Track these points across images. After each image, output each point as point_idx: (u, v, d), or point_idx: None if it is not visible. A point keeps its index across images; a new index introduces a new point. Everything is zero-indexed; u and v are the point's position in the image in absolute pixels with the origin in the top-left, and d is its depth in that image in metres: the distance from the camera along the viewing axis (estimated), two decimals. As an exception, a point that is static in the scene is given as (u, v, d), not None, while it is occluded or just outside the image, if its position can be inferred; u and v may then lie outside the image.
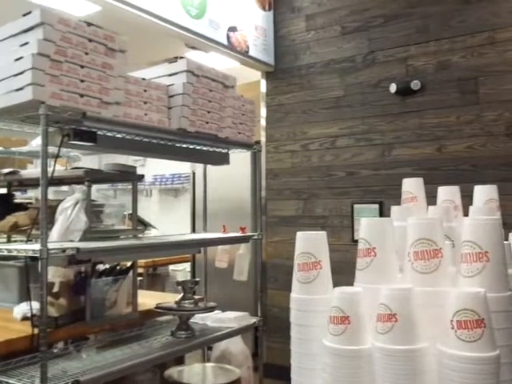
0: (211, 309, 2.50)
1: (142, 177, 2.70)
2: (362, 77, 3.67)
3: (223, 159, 2.89)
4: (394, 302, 1.20)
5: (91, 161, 3.76)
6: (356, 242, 3.50)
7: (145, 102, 2.18)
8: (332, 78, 3.81)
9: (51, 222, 2.21)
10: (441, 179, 3.22)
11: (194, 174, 4.72)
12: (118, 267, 2.46)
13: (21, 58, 1.78)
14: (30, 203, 3.22)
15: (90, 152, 3.08)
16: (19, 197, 4.32)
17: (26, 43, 1.79)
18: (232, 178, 4.24)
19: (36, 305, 1.96)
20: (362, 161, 3.66)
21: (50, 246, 1.76)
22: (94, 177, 2.44)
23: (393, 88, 3.48)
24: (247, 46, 3.76)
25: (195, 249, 2.91)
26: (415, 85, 3.40)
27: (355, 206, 3.67)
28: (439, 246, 1.30)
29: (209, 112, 2.46)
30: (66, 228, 2.22)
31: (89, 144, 2.05)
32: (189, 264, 4.91)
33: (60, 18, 1.83)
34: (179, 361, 2.88)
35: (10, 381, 1.76)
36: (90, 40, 1.93)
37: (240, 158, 3.13)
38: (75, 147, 2.33)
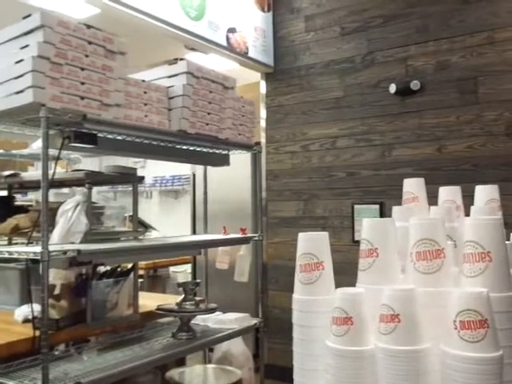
0: (212, 310, 2.50)
1: (142, 178, 2.70)
2: (361, 77, 3.67)
3: (223, 160, 2.89)
4: (397, 302, 1.20)
5: (92, 163, 3.75)
6: (357, 242, 3.53)
7: (145, 104, 2.18)
8: (332, 78, 3.81)
9: (52, 224, 2.20)
10: (441, 179, 3.22)
11: (194, 175, 4.72)
12: (118, 269, 2.46)
13: (21, 60, 1.78)
14: (31, 206, 3.22)
15: (91, 154, 3.07)
16: (20, 199, 4.32)
17: (26, 46, 1.79)
18: (232, 180, 4.23)
19: (37, 307, 1.96)
20: (362, 161, 3.66)
21: (51, 248, 1.76)
22: (94, 179, 2.44)
23: (392, 88, 3.48)
24: (246, 48, 3.76)
25: (196, 250, 2.90)
26: (415, 85, 3.40)
27: (355, 206, 3.67)
28: (442, 246, 1.30)
29: (209, 113, 2.46)
30: (67, 230, 2.21)
31: (89, 146, 2.05)
32: (189, 265, 4.90)
33: (60, 20, 1.83)
34: (180, 362, 2.88)
35: (11, 383, 1.76)
36: (90, 42, 1.93)
37: (240, 160, 3.13)
38: (76, 149, 2.33)
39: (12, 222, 2.66)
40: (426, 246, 1.30)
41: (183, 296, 2.46)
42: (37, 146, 2.98)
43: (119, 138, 2.18)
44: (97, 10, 2.92)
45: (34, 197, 4.37)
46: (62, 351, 2.21)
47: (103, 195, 6.75)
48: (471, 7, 3.26)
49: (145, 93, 2.19)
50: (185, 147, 2.59)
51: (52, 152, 1.87)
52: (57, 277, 2.21)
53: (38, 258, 1.72)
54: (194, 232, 4.63)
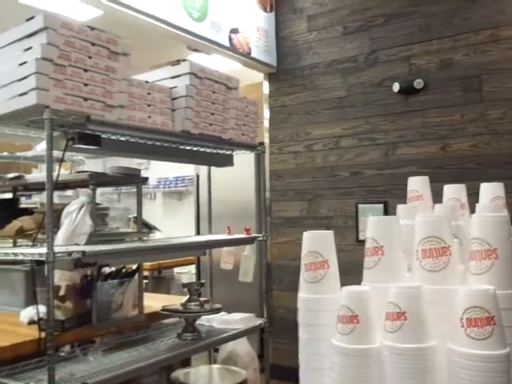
0: (217, 310, 2.49)
1: (146, 179, 2.70)
2: (364, 77, 3.67)
3: (227, 161, 2.89)
4: (403, 300, 1.20)
5: (95, 164, 3.76)
6: (361, 242, 3.52)
7: (148, 105, 2.18)
8: (334, 78, 3.80)
9: (56, 225, 2.21)
10: (445, 178, 3.20)
11: (197, 176, 4.72)
12: (123, 270, 2.46)
13: (24, 62, 1.78)
14: (35, 208, 3.22)
15: (95, 156, 3.08)
16: (24, 202, 4.33)
17: (30, 48, 1.80)
18: (236, 180, 4.23)
19: (42, 308, 1.96)
20: (365, 161, 3.65)
21: (56, 249, 1.77)
22: (98, 180, 2.44)
23: (396, 87, 3.47)
24: (249, 48, 3.76)
25: (200, 251, 2.90)
26: (418, 84, 3.40)
27: (359, 206, 3.66)
28: (447, 244, 1.30)
29: (212, 114, 2.46)
30: (72, 231, 2.21)
31: (93, 147, 2.05)
32: (193, 266, 4.91)
33: (63, 22, 1.83)
34: (185, 363, 2.88)
35: (17, 385, 1.76)
36: (93, 44, 1.93)
37: (244, 160, 3.13)
38: (80, 151, 2.33)
39: (17, 223, 2.66)
40: (432, 243, 1.30)
41: (188, 297, 2.46)
42: (41, 148, 2.99)
43: (123, 138, 2.19)
44: (99, 12, 2.93)
45: (37, 199, 4.38)
46: (68, 352, 2.21)
47: (107, 197, 6.76)
48: (476, 5, 3.25)
49: (148, 94, 2.19)
50: (188, 148, 2.59)
51: (56, 154, 1.87)
52: (62, 278, 2.21)
53: (44, 259, 1.72)
54: (198, 233, 4.63)
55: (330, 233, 1.49)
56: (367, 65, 3.66)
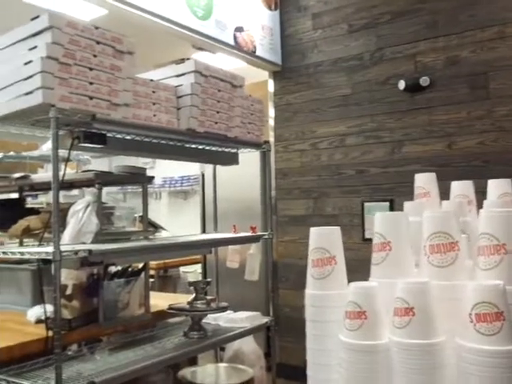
0: (223, 309, 2.49)
1: (152, 178, 2.70)
2: (370, 74, 3.65)
3: (232, 159, 2.89)
4: (412, 295, 1.19)
5: (101, 164, 3.76)
6: (367, 240, 3.51)
7: (153, 103, 2.18)
8: (340, 76, 3.79)
9: (63, 225, 2.21)
10: (452, 176, 3.16)
11: (203, 175, 4.72)
12: (129, 269, 2.46)
13: (30, 61, 1.79)
14: (41, 208, 3.23)
15: (100, 155, 3.08)
16: (30, 202, 4.35)
17: (35, 47, 1.80)
18: (241, 179, 4.23)
19: (50, 307, 1.96)
20: (371, 159, 3.64)
21: (62, 248, 1.77)
22: (104, 179, 2.44)
23: (401, 85, 3.46)
24: (254, 46, 3.76)
25: (206, 249, 2.90)
26: (424, 81, 3.38)
27: (365, 204, 3.65)
28: (455, 239, 1.29)
29: (218, 112, 2.45)
30: (78, 230, 2.22)
31: (99, 146, 2.05)
32: (199, 266, 4.91)
33: (68, 21, 1.83)
34: (192, 361, 2.88)
35: (25, 383, 1.76)
36: (98, 42, 1.93)
37: (249, 158, 3.12)
38: (85, 150, 2.33)
39: (23, 223, 2.67)
40: (440, 239, 1.29)
41: (194, 295, 2.46)
42: (47, 147, 2.99)
43: (128, 137, 2.19)
44: (104, 11, 2.93)
45: (44, 199, 4.40)
46: (75, 351, 2.21)
47: (113, 197, 6.77)
48: (482, 2, 3.23)
49: (153, 92, 2.19)
50: (194, 146, 2.58)
51: (62, 153, 1.87)
52: (68, 277, 2.21)
53: (50, 258, 1.73)
54: (203, 231, 4.63)
55: (337, 229, 1.48)
56: (373, 62, 3.64)
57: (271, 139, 4.07)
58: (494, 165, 3.17)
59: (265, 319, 2.75)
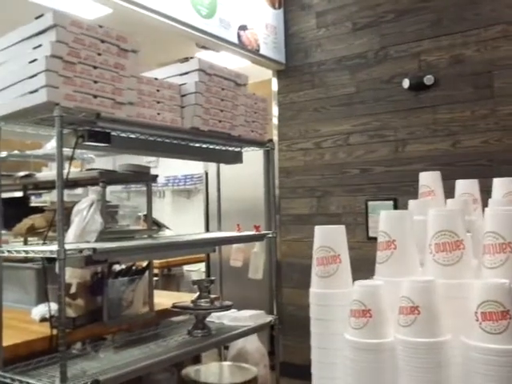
0: (227, 307, 2.49)
1: (156, 177, 2.70)
2: (374, 73, 3.65)
3: (236, 158, 2.88)
4: (417, 294, 1.19)
5: (105, 162, 3.77)
6: (371, 239, 3.50)
7: (158, 102, 2.18)
8: (344, 74, 3.79)
9: (67, 223, 2.21)
10: (456, 175, 3.14)
11: (206, 174, 4.72)
12: (133, 267, 2.46)
13: (34, 60, 1.79)
14: (46, 206, 3.23)
15: (104, 154, 3.09)
16: (34, 201, 4.36)
17: (40, 46, 1.80)
18: (245, 177, 4.23)
19: (54, 306, 1.97)
20: (375, 157, 3.64)
21: (66, 246, 1.77)
22: (108, 177, 2.44)
23: (406, 83, 3.45)
24: (258, 45, 3.75)
25: (210, 248, 2.90)
26: (428, 80, 3.37)
27: (369, 203, 3.64)
28: (461, 238, 1.28)
29: (221, 110, 2.45)
30: (82, 229, 2.22)
31: (103, 145, 2.05)
32: (203, 264, 4.91)
33: (72, 19, 1.83)
34: (196, 360, 2.88)
35: (30, 381, 1.76)
36: (103, 41, 1.93)
37: (253, 157, 3.12)
38: (89, 148, 2.34)
39: (27, 222, 2.68)
40: (446, 237, 1.28)
41: (198, 294, 2.46)
42: (51, 146, 2.99)
43: (132, 136, 2.19)
44: (108, 9, 2.93)
45: (48, 198, 4.40)
46: (79, 349, 2.22)
47: (117, 195, 6.79)
48: (487, 0, 3.21)
49: (157, 91, 2.19)
50: (197, 145, 2.58)
51: (66, 152, 1.88)
52: (73, 276, 2.22)
53: (55, 256, 1.73)
54: (207, 230, 4.63)
55: (342, 227, 1.48)
56: (377, 61, 3.64)
57: (275, 138, 4.06)
58: (498, 164, 3.16)
59: (269, 318, 2.75)
